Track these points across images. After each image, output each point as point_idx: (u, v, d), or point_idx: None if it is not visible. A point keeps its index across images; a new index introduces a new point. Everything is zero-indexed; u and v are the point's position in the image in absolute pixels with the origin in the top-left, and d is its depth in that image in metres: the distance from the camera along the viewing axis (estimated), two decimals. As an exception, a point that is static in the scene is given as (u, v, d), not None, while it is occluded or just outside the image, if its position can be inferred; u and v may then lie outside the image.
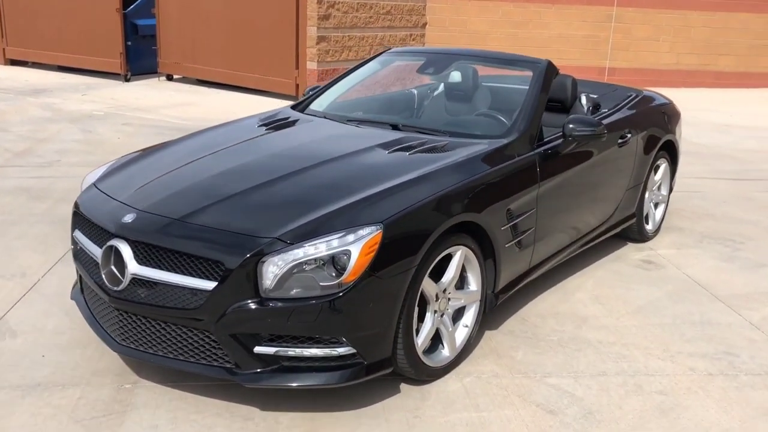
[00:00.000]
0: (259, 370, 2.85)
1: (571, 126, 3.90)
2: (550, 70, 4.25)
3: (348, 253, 2.76)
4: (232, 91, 11.87)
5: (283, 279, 2.75)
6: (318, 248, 2.77)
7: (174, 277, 2.85)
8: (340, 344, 2.83)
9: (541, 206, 3.74)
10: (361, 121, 4.15)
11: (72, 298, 3.54)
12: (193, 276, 2.82)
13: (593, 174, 4.29)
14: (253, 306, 2.76)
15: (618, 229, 4.82)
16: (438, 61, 4.64)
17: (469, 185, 3.30)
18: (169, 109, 10.15)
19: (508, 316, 3.90)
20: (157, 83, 12.61)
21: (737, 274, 4.67)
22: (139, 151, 3.99)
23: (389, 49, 5.01)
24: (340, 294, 2.75)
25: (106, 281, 2.99)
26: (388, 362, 2.97)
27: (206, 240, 2.86)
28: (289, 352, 2.83)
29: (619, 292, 4.32)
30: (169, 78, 12.96)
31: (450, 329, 3.29)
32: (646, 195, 5.04)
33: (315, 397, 3.06)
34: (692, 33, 13.46)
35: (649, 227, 5.19)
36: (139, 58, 12.84)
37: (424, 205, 3.06)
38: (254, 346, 2.83)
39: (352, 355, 2.86)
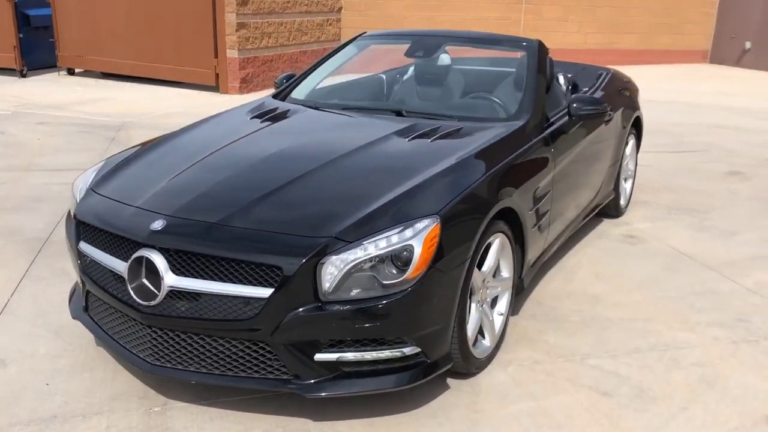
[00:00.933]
0: (320, 378, 2.65)
1: (575, 105, 3.89)
2: (542, 50, 4.22)
3: (410, 249, 2.61)
4: (144, 83, 11.25)
5: (343, 280, 2.56)
6: (378, 246, 2.60)
7: (222, 287, 2.59)
8: (406, 344, 2.68)
9: (555, 187, 3.72)
10: (359, 109, 3.97)
11: (74, 317, 3.18)
12: (246, 284, 2.58)
13: (590, 152, 4.32)
14: (313, 311, 2.56)
15: (602, 205, 4.89)
16: (425, 44, 4.51)
17: (504, 170, 3.21)
18: (83, 105, 9.47)
19: (523, 301, 3.86)
20: (58, 78, 11.77)
21: (715, 243, 4.84)
22: (128, 150, 3.64)
23: (364, 33, 4.83)
24: (406, 291, 2.60)
25: (134, 296, 2.70)
26: (448, 358, 2.84)
27: (257, 243, 2.62)
28: (351, 357, 2.65)
29: (616, 269, 4.37)
30: (70, 72, 12.12)
31: (490, 318, 3.21)
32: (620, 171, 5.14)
33: (367, 401, 2.89)
34: (598, 13, 13.96)
35: (622, 202, 5.31)
36: (34, 51, 11.91)
37: (472, 192, 2.94)
38: (314, 354, 2.63)
39: (417, 354, 2.71)
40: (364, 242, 2.60)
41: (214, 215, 2.74)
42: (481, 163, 3.17)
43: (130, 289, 2.71)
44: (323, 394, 2.65)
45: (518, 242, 3.36)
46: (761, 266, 4.45)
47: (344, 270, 2.56)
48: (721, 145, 7.87)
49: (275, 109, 4.01)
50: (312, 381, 2.65)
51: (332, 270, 2.56)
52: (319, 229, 2.64)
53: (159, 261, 2.64)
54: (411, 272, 2.59)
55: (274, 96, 4.38)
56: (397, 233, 2.63)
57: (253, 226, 2.68)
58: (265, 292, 2.55)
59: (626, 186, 5.41)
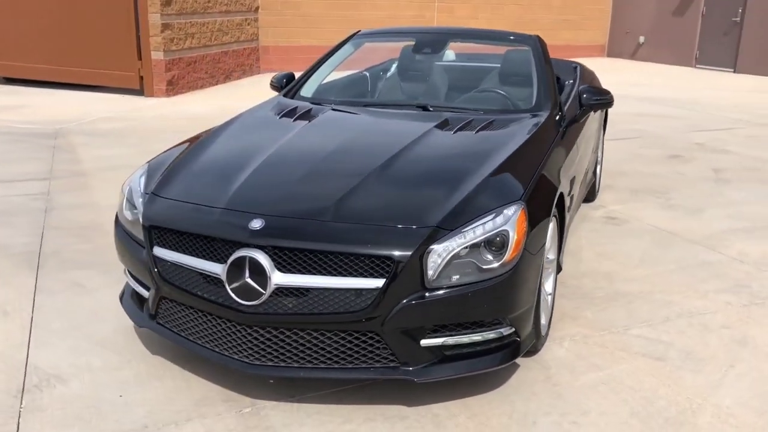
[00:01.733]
0: (426, 363, 2.74)
1: (585, 96, 4.15)
2: (543, 43, 4.46)
3: (505, 234, 2.74)
4: (58, 88, 10.69)
5: (445, 267, 2.66)
6: (475, 233, 2.71)
7: (333, 281, 2.62)
8: (502, 325, 2.81)
9: (576, 172, 3.96)
10: (384, 105, 4.06)
11: (141, 326, 3.09)
12: (358, 276, 2.62)
13: (588, 139, 4.60)
14: (420, 299, 2.64)
15: (588, 190, 5.21)
16: (429, 41, 4.64)
17: (552, 157, 3.41)
18: (1, 112, 8.91)
19: (547, 281, 4.09)
20: (-45, 84, 10.98)
21: (688, 221, 5.27)
22: (166, 152, 3.57)
23: (358, 32, 4.90)
24: (505, 274, 2.73)
25: (235, 297, 2.67)
26: (531, 336, 3.00)
27: (367, 236, 2.66)
28: (454, 341, 2.75)
29: (614, 248, 4.68)
30: (-33, 78, 11.32)
31: (546, 297, 3.40)
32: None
33: (454, 385, 2.99)
34: (505, 11, 14.57)
35: (597, 187, 5.67)
36: None
37: (541, 179, 3.12)
38: (420, 340, 2.71)
39: (511, 334, 2.85)
40: (463, 230, 2.71)
41: (313, 211, 2.76)
42: (535, 151, 3.36)
43: (229, 290, 2.68)
44: (432, 377, 2.74)
45: (560, 225, 3.57)
46: (737, 238, 4.91)
47: (446, 258, 2.65)
48: (652, 132, 8.49)
49: (297, 108, 4.02)
50: (421, 366, 2.73)
51: (435, 258, 2.65)
52: (423, 220, 2.72)
53: (264, 260, 2.63)
54: (508, 256, 2.73)
55: (286, 95, 4.39)
56: (491, 220, 2.76)
57: (356, 219, 2.73)
58: (378, 282, 2.61)
59: (598, 171, 5.78)
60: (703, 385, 3.08)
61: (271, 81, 4.66)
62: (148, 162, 3.48)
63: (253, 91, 10.68)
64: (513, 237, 2.75)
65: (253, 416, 2.82)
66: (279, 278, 2.63)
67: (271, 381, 2.92)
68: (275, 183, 3.00)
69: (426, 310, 2.66)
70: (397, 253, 2.62)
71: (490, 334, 2.78)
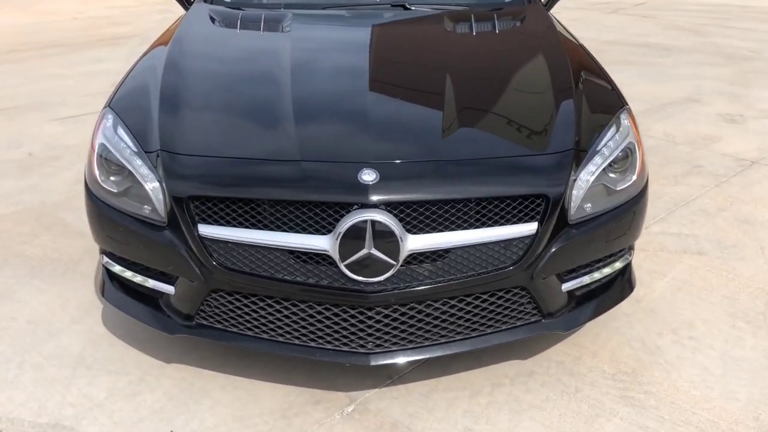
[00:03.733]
0: (567, 310, 2.34)
1: None
2: None
3: (631, 146, 2.36)
4: None
5: (583, 197, 2.24)
6: (609, 149, 2.30)
7: (478, 235, 2.06)
8: (625, 252, 2.48)
9: None
10: (350, 5, 3.34)
11: (173, 333, 2.26)
12: (506, 224, 2.09)
13: None
14: (569, 238, 2.20)
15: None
16: None
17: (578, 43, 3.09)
18: None
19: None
20: None
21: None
22: (134, 82, 2.62)
23: None
24: (640, 193, 2.37)
25: (353, 275, 2.01)
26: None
27: (508, 173, 2.12)
28: (589, 279, 2.37)
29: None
30: None
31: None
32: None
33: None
34: None
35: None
36: None
37: (600, 70, 2.81)
38: (561, 286, 2.30)
39: (629, 261, 2.54)
40: (597, 149, 2.29)
41: (425, 151, 2.14)
42: (571, 43, 2.98)
43: (344, 268, 2.01)
44: (578, 323, 2.36)
45: None
46: (651, 120, 5.04)
47: (587, 185, 2.23)
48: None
49: (244, 18, 3.13)
50: (562, 315, 2.33)
51: (579, 187, 2.21)
52: (557, 143, 2.24)
53: (391, 222, 1.98)
54: (637, 172, 2.37)
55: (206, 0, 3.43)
56: (616, 133, 2.36)
57: (484, 154, 2.16)
58: (531, 227, 2.11)
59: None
60: (754, 270, 3.07)
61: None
62: (109, 105, 2.49)
63: None
64: (638, 151, 2.40)
65: (365, 414, 2.23)
66: (413, 242, 2.02)
67: (436, 355, 2.26)
68: (340, 118, 2.29)
69: (574, 250, 2.23)
70: (550, 187, 2.13)
71: (618, 263, 2.45)
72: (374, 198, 1.99)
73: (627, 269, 2.54)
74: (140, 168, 2.19)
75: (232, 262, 2.10)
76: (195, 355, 2.48)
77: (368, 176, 2.02)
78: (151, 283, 2.29)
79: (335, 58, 2.75)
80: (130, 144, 2.26)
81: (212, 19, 3.16)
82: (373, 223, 1.98)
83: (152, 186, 2.16)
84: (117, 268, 2.37)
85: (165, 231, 2.15)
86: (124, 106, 2.46)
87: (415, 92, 2.51)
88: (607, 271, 2.41)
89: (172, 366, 2.45)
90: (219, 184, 2.10)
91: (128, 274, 2.34)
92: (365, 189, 2.00)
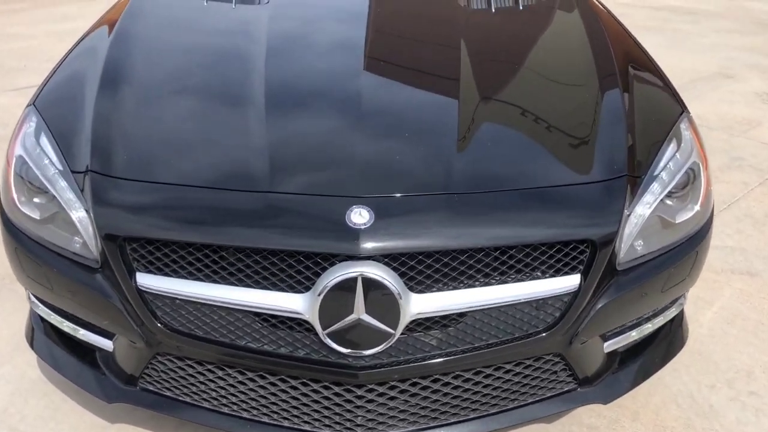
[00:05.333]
0: (607, 374, 1.86)
1: None
2: None
3: (695, 167, 1.86)
4: None
5: (636, 232, 1.75)
6: (670, 172, 1.80)
7: (503, 293, 1.57)
8: (681, 297, 1.99)
9: None
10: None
11: (112, 401, 1.78)
12: (536, 277, 1.60)
13: None
14: (619, 289, 1.71)
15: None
16: None
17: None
18: None
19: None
20: None
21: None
22: (63, 75, 2.06)
23: None
24: (705, 225, 1.88)
25: (337, 347, 1.53)
26: None
27: (546, 212, 1.61)
28: (636, 334, 1.88)
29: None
30: None
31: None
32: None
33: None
34: None
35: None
36: None
37: (656, 67, 2.29)
38: (604, 343, 1.82)
39: (682, 311, 2.06)
40: (655, 173, 1.78)
41: (433, 179, 1.62)
42: (612, 28, 2.43)
43: (325, 337, 1.52)
44: (621, 392, 1.88)
45: None
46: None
47: (642, 220, 1.73)
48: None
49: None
50: (602, 381, 1.85)
51: (632, 222, 1.72)
52: (605, 167, 1.73)
53: (389, 278, 1.49)
54: (702, 196, 1.87)
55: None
56: (676, 149, 1.86)
57: (510, 183, 1.65)
58: (572, 281, 1.62)
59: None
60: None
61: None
62: (33, 103, 1.96)
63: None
64: (702, 169, 1.89)
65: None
66: (417, 305, 1.53)
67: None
68: (325, 134, 1.76)
69: (624, 305, 1.74)
70: (597, 228, 1.63)
71: (672, 311, 1.97)
72: (367, 246, 1.49)
73: (680, 316, 2.06)
74: (64, 192, 1.69)
75: (181, 323, 1.61)
76: (145, 414, 2.01)
77: (359, 217, 1.52)
78: (82, 333, 1.80)
79: (321, 45, 2.19)
80: (54, 159, 1.75)
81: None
82: (366, 280, 1.48)
83: (79, 216, 1.65)
84: (42, 310, 1.88)
85: (98, 275, 1.65)
86: (52, 105, 1.94)
87: (421, 96, 1.98)
88: (659, 321, 1.93)
89: (116, 427, 1.98)
90: (165, 222, 1.60)
91: (55, 319, 1.86)
92: (355, 234, 1.50)
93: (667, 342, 2.00)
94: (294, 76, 1.99)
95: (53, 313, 1.85)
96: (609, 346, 1.82)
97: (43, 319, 1.95)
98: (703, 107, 4.39)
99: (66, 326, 1.83)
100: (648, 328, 1.90)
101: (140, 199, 1.63)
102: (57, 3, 6.84)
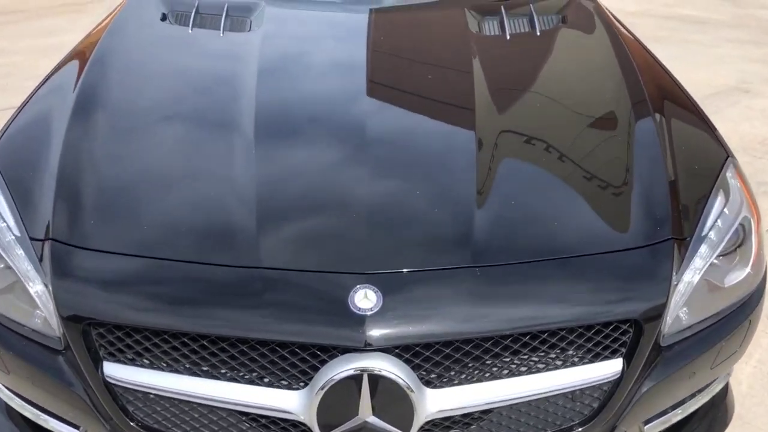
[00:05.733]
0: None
1: None
2: None
3: (746, 221, 1.62)
4: None
5: (681, 301, 1.51)
6: (718, 231, 1.56)
7: (537, 383, 1.34)
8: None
9: None
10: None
11: None
12: (581, 363, 1.37)
13: None
14: (662, 372, 1.47)
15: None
16: None
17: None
18: None
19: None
20: None
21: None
22: (26, 118, 1.82)
23: None
24: (756, 292, 1.65)
25: None
26: None
27: (581, 287, 1.39)
28: (678, 414, 1.64)
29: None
30: None
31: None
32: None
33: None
34: None
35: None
36: None
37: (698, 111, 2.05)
38: (644, 426, 1.59)
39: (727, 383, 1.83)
40: (704, 233, 1.55)
41: (454, 248, 1.39)
42: (640, 57, 2.20)
43: None
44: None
45: None
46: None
47: (690, 288, 1.50)
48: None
49: (200, 8, 2.33)
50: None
51: (680, 291, 1.48)
52: (650, 229, 1.50)
53: (400, 373, 1.26)
54: (753, 259, 1.64)
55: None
56: (724, 203, 1.62)
57: (545, 252, 1.41)
58: (613, 367, 1.39)
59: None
60: None
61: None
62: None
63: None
64: (753, 224, 1.66)
65: None
66: (434, 402, 1.29)
67: None
68: (324, 190, 1.53)
69: (669, 388, 1.51)
70: (642, 303, 1.40)
71: (718, 386, 1.73)
72: (374, 335, 1.26)
73: (724, 388, 1.83)
74: (21, 262, 1.45)
75: (157, 421, 1.38)
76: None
77: (365, 300, 1.28)
78: (44, 419, 1.57)
79: (319, 84, 1.95)
80: (11, 223, 1.51)
81: (157, 13, 2.34)
82: (373, 376, 1.25)
83: (37, 289, 1.42)
84: (3, 392, 1.65)
85: (61, 358, 1.42)
86: (11, 155, 1.71)
87: (433, 137, 1.74)
88: (704, 400, 1.69)
89: None
90: (137, 304, 1.36)
91: (16, 403, 1.62)
92: (360, 322, 1.26)
93: (709, 419, 1.76)
94: (287, 121, 1.76)
95: (15, 397, 1.62)
96: (649, 429, 1.59)
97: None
98: (723, 126, 4.12)
99: (29, 412, 1.59)
100: (692, 406, 1.67)
101: (108, 275, 1.40)
102: (46, 15, 6.60)
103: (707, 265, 1.51)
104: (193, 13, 2.26)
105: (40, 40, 5.80)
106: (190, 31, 2.20)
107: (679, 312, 1.49)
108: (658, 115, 1.84)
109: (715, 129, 1.98)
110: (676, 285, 1.46)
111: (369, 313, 1.27)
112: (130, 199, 1.54)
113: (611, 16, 2.47)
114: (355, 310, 1.27)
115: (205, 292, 1.35)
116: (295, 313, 1.31)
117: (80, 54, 2.12)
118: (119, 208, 1.52)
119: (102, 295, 1.38)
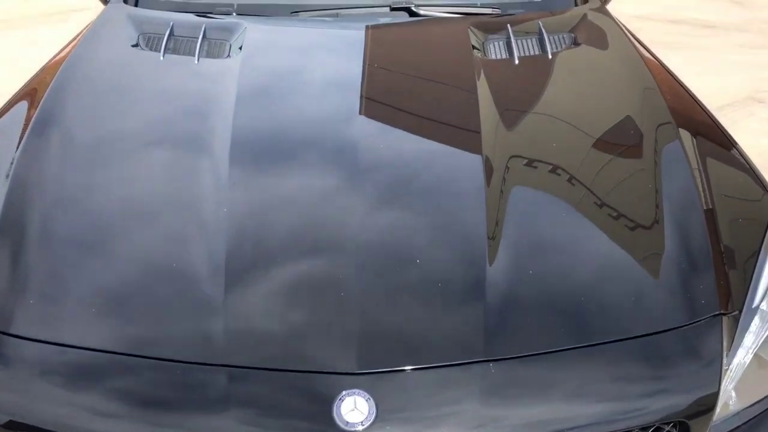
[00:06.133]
0: None
1: None
2: None
3: None
4: None
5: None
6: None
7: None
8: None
9: None
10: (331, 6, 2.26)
11: None
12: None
13: None
14: None
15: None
16: None
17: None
18: None
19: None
20: None
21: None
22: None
23: None
24: None
25: None
26: None
27: (615, 382, 1.16)
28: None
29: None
30: None
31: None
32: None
33: None
34: None
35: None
36: None
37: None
38: None
39: None
40: (754, 305, 1.32)
41: (462, 337, 1.16)
42: (665, 83, 1.96)
43: None
44: None
45: None
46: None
47: (741, 369, 1.27)
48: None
49: (175, 32, 2.09)
50: None
51: (730, 375, 1.26)
52: (694, 303, 1.27)
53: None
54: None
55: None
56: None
57: (569, 340, 1.18)
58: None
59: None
60: None
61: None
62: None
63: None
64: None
65: None
66: None
67: None
68: (306, 279, 1.28)
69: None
70: (688, 396, 1.17)
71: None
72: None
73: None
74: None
75: None
76: None
77: (355, 412, 1.05)
78: None
79: (305, 125, 1.70)
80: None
81: (126, 37, 2.10)
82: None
83: None
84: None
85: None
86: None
87: (435, 191, 1.51)
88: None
89: None
90: (66, 403, 1.13)
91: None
92: (350, 445, 1.03)
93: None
94: (266, 170, 1.53)
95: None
96: None
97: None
98: (740, 139, 3.91)
99: None
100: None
101: (52, 371, 1.17)
102: (32, 24, 6.37)
103: (761, 342, 1.29)
104: (165, 36, 2.02)
105: (16, 52, 5.55)
106: (161, 58, 1.97)
107: (729, 398, 1.27)
108: (688, 152, 1.61)
109: (752, 163, 1.76)
110: (726, 369, 1.23)
111: (360, 428, 1.03)
112: (80, 274, 1.31)
113: (625, 32, 2.24)
114: (342, 425, 1.04)
115: (163, 392, 1.12)
116: (270, 424, 1.08)
117: (29, 92, 1.89)
118: (68, 286, 1.28)
119: (45, 395, 1.15)
